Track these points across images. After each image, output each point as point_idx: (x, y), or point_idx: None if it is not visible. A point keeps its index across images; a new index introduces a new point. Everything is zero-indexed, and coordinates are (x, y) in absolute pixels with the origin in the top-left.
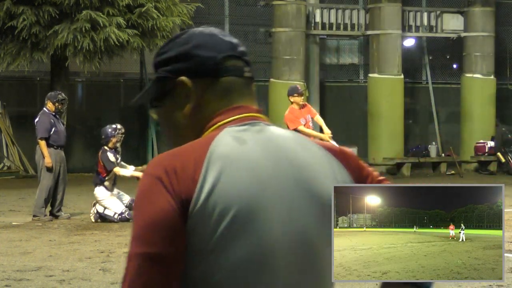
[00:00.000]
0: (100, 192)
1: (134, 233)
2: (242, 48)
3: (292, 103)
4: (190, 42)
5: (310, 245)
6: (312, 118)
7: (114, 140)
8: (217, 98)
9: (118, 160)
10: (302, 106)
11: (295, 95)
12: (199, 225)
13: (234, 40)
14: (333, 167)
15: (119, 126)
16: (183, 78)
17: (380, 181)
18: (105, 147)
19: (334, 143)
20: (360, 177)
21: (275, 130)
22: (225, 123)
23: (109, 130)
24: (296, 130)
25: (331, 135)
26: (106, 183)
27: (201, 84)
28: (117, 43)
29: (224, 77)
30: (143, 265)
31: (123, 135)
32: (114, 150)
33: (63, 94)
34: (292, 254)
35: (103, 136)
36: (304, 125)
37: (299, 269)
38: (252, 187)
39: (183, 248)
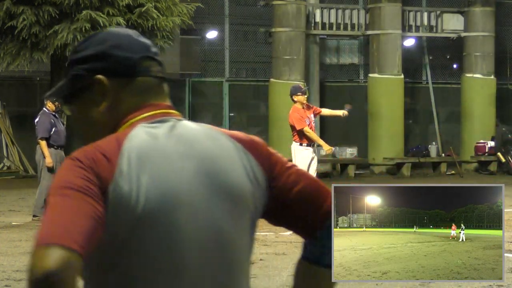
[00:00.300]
0: None
1: (52, 187)
2: (154, 49)
3: (295, 102)
4: (107, 42)
5: (223, 236)
6: (318, 114)
7: None
8: (132, 97)
9: None
10: (305, 106)
11: (298, 94)
12: (114, 215)
13: (148, 41)
14: (242, 158)
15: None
16: (100, 76)
17: (289, 168)
18: None
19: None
20: (270, 164)
21: (186, 124)
22: (138, 120)
23: None
24: (301, 131)
25: (331, 149)
26: None
27: (117, 83)
28: None
29: (139, 77)
30: (63, 195)
31: None
32: None
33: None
34: (205, 245)
35: None
36: (308, 125)
37: (213, 260)
38: (165, 181)
39: (103, 214)
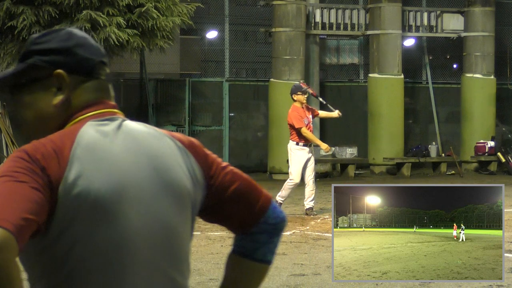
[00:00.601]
0: None
1: None
2: (105, 54)
3: (295, 101)
4: (72, 39)
5: (169, 229)
6: (316, 116)
7: None
8: (84, 95)
9: None
10: (305, 106)
11: (298, 93)
12: (65, 209)
13: (102, 48)
14: (183, 157)
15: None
16: (61, 71)
17: (224, 167)
18: None
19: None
20: (207, 164)
21: (131, 124)
22: (87, 117)
23: None
24: (299, 130)
25: (330, 149)
26: None
27: (75, 80)
28: (117, 43)
29: (94, 78)
30: (7, 183)
31: None
32: None
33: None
34: (153, 238)
35: None
36: (307, 125)
37: (160, 251)
38: (116, 176)
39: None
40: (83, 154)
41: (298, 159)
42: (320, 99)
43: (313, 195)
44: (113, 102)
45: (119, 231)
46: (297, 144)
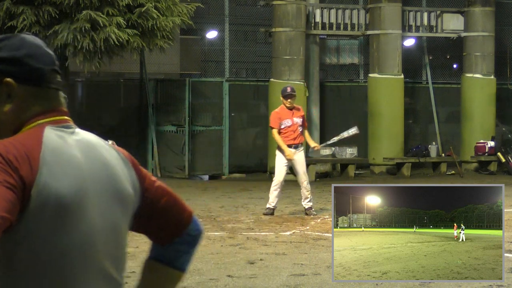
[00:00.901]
0: None
1: None
2: (57, 61)
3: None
4: (22, 49)
5: (118, 231)
6: (303, 127)
7: None
8: (37, 103)
9: None
10: (293, 108)
11: (281, 96)
12: (36, 209)
13: (52, 53)
14: (127, 168)
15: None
16: (10, 80)
17: (154, 181)
18: None
19: (301, 152)
20: (142, 177)
21: (83, 133)
22: (44, 123)
23: None
24: (271, 128)
25: (291, 156)
26: None
27: (25, 89)
28: (117, 43)
29: (46, 87)
30: None
31: None
32: None
33: (64, 94)
34: (107, 238)
35: None
36: (290, 126)
37: (108, 252)
38: (79, 181)
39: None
40: (51, 158)
41: (278, 159)
42: (332, 141)
43: (309, 195)
44: (65, 109)
45: (82, 232)
46: (279, 147)
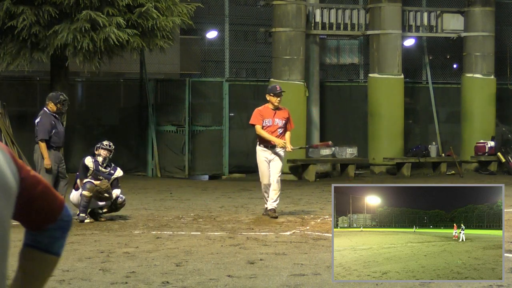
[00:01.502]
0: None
1: None
2: None
3: (268, 101)
4: None
5: (3, 224)
6: (286, 129)
7: (100, 151)
8: None
9: (106, 173)
10: (278, 108)
11: (271, 94)
12: None
13: None
14: (8, 162)
15: (105, 142)
16: None
17: (29, 171)
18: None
19: (282, 151)
20: (19, 169)
21: None
22: None
23: (99, 144)
24: (253, 126)
25: (284, 144)
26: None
27: None
28: (117, 43)
29: None
30: None
31: (111, 152)
32: (98, 161)
33: (65, 95)
34: None
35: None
36: (270, 126)
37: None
38: None
39: None
40: None
41: (259, 160)
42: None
43: (277, 196)
44: None
45: None
46: (259, 145)
